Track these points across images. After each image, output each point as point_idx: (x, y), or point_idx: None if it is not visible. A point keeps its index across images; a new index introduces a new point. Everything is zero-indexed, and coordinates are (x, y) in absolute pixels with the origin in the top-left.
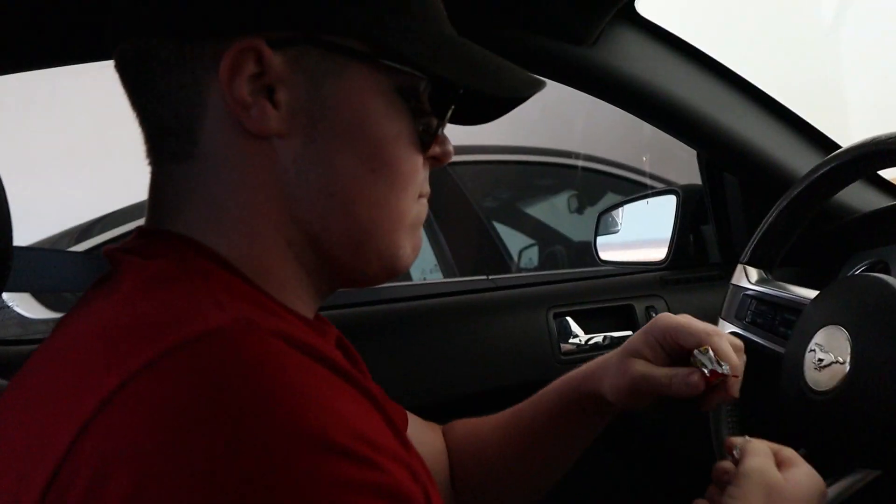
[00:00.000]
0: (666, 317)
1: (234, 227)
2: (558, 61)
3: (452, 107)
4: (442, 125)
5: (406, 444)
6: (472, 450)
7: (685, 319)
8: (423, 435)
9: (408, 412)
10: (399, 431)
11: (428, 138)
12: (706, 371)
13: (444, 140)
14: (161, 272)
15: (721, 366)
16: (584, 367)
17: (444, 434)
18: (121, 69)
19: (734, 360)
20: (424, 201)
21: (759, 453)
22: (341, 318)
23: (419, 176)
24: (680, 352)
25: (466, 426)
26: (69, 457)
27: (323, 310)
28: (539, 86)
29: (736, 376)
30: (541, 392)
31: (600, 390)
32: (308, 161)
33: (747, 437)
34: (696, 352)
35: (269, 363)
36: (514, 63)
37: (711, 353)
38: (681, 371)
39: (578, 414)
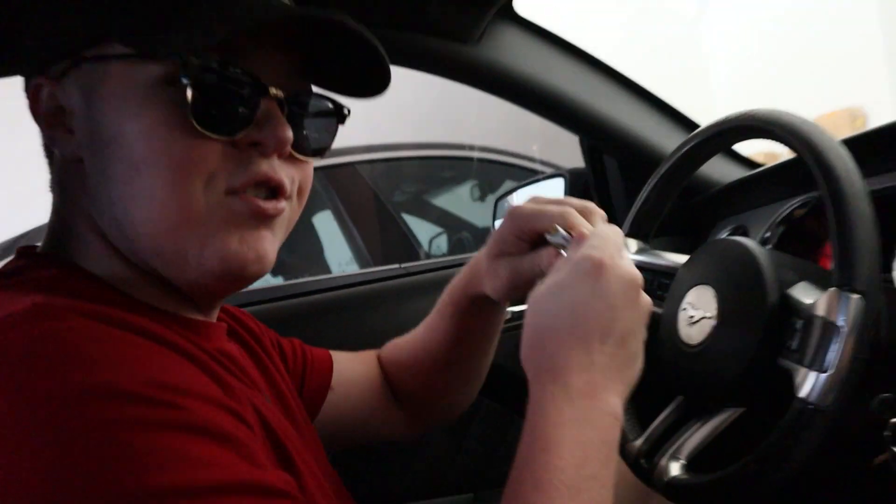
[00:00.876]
0: (517, 208)
1: (85, 246)
2: (447, 59)
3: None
4: (235, 106)
5: (236, 396)
6: (402, 364)
7: (535, 205)
8: (353, 365)
9: (335, 352)
10: (228, 386)
11: (213, 124)
12: (562, 251)
13: (266, 123)
14: (4, 284)
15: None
16: (463, 271)
17: (379, 357)
18: None
19: (584, 225)
20: (252, 198)
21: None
22: (266, 312)
23: (204, 165)
24: (540, 235)
25: (396, 345)
26: None
27: (249, 305)
28: (280, 16)
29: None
30: (439, 302)
31: (484, 291)
32: (97, 175)
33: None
34: (547, 237)
35: (56, 333)
36: (406, 62)
37: (560, 230)
38: (540, 252)
39: (475, 314)
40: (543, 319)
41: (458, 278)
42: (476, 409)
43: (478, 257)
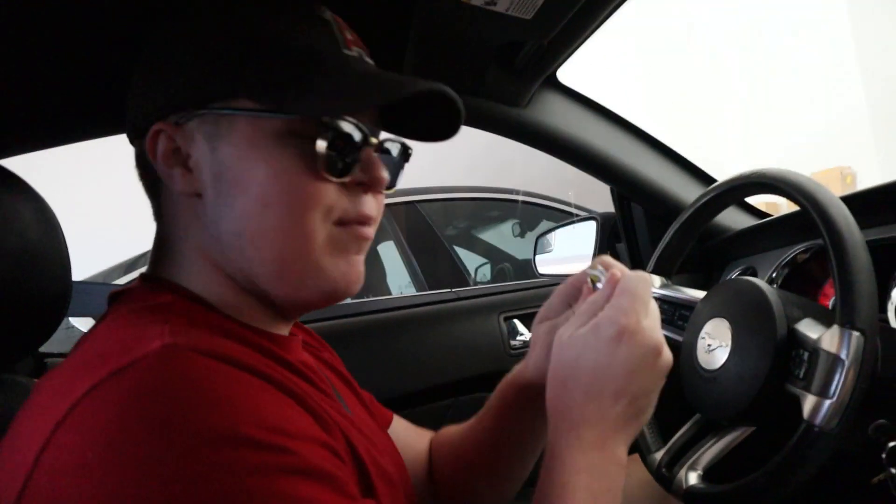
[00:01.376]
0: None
1: (191, 269)
2: (499, 120)
3: (350, 138)
4: (348, 153)
5: (330, 429)
6: (449, 450)
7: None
8: (408, 437)
9: (397, 416)
10: (323, 420)
11: (331, 167)
12: (596, 284)
13: (370, 166)
14: (131, 311)
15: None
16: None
17: (433, 438)
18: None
19: (619, 267)
20: (357, 228)
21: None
22: (333, 328)
23: (322, 200)
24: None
25: (449, 430)
26: (33, 473)
27: (316, 321)
28: (405, 93)
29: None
30: (491, 397)
31: (526, 377)
32: (220, 210)
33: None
34: (585, 270)
35: (186, 377)
36: (463, 123)
37: (599, 267)
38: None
39: (518, 409)
40: (566, 371)
41: (509, 374)
42: None
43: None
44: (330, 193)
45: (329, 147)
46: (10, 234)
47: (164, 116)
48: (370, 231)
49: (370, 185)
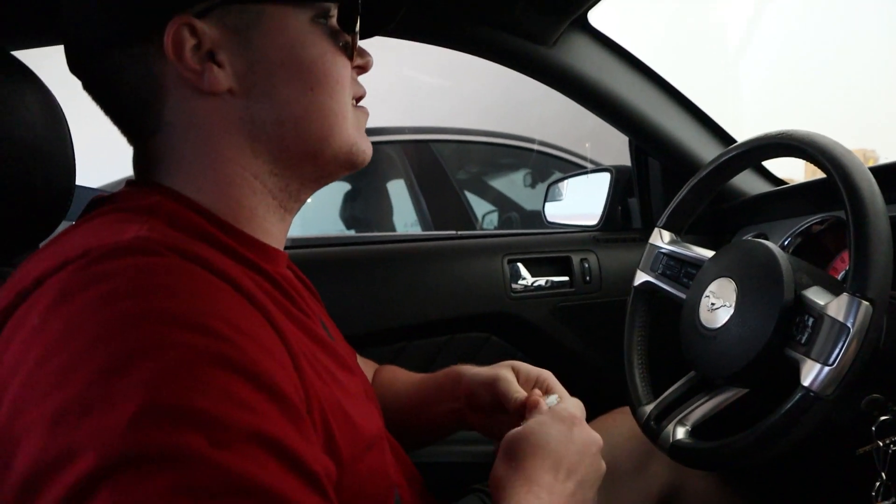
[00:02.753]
0: (504, 377)
1: (204, 175)
2: (524, 57)
3: (358, 20)
4: (355, 38)
5: (294, 351)
6: (382, 394)
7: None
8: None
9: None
10: (287, 340)
11: (349, 51)
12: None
13: (362, 51)
14: (111, 211)
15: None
16: (457, 379)
17: (375, 373)
18: (88, 83)
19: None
20: (363, 107)
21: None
22: (333, 255)
23: (348, 79)
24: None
25: (388, 374)
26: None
27: (316, 247)
28: None
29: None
30: (435, 377)
31: (465, 380)
32: (257, 102)
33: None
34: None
35: (151, 268)
36: (489, 55)
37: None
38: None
39: (448, 409)
40: (523, 446)
41: (459, 379)
42: (485, 342)
43: (458, 395)
44: (350, 73)
45: (349, 30)
46: (17, 125)
47: (182, 8)
48: None
49: (364, 67)
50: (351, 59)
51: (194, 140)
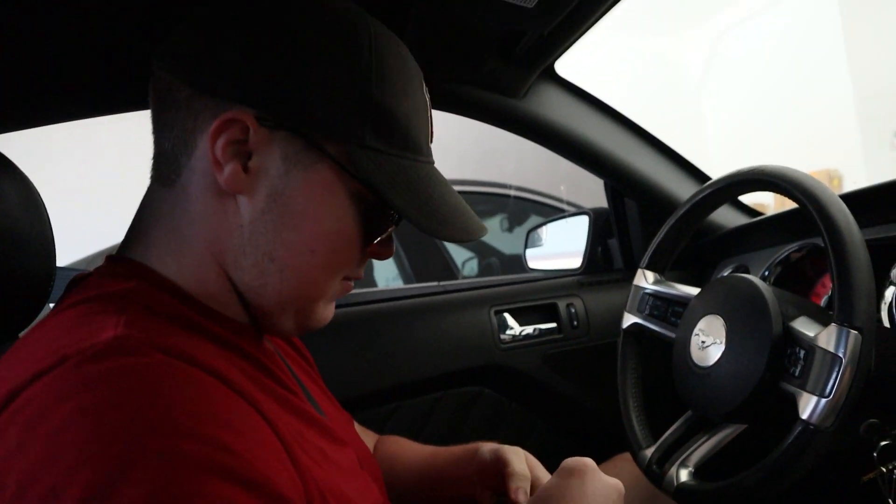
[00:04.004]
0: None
1: (186, 254)
2: (495, 110)
3: (395, 224)
4: (386, 231)
5: (294, 443)
6: (389, 467)
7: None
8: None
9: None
10: (279, 430)
11: (370, 238)
12: None
13: (388, 241)
14: (86, 300)
15: None
16: (473, 453)
17: (376, 444)
18: (152, 92)
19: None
20: (350, 284)
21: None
22: None
23: (353, 265)
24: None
25: (393, 446)
26: None
27: None
28: (477, 235)
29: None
30: (451, 451)
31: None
32: (261, 226)
33: None
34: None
35: (134, 370)
36: (461, 111)
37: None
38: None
39: (461, 482)
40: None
41: (470, 459)
42: (478, 396)
43: (471, 469)
44: (357, 258)
45: (384, 231)
46: None
47: (247, 105)
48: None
49: (382, 257)
50: (368, 244)
51: (192, 214)
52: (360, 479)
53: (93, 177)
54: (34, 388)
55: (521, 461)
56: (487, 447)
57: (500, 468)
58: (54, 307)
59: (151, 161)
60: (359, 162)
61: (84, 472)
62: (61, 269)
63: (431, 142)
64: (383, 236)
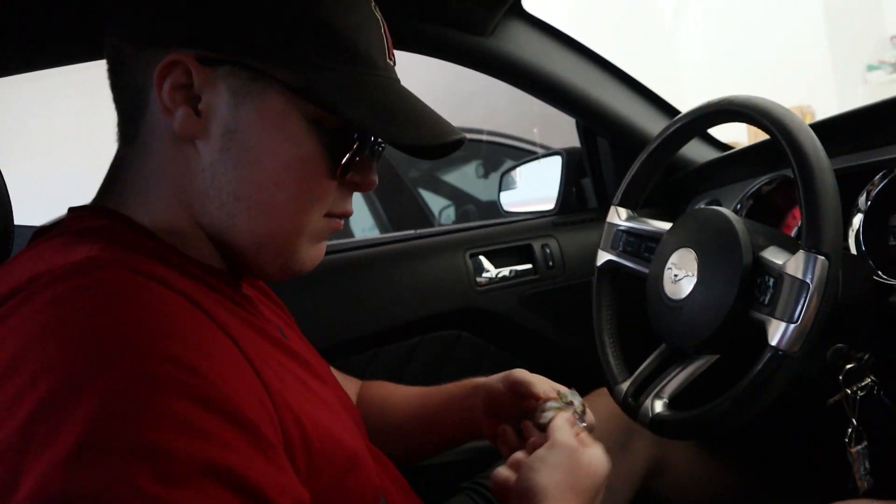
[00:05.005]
0: (524, 380)
1: (154, 204)
2: (462, 49)
3: (367, 145)
4: (359, 157)
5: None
6: (379, 410)
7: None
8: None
9: (331, 368)
10: (253, 360)
11: (342, 166)
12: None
13: (366, 170)
14: (56, 236)
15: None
16: (473, 388)
17: (361, 389)
18: (107, 61)
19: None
20: (336, 220)
21: (566, 429)
22: None
23: (328, 197)
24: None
25: (380, 389)
26: None
27: None
28: (448, 140)
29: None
30: (444, 389)
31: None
32: (221, 166)
33: (559, 403)
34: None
35: (103, 285)
36: (426, 50)
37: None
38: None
39: (461, 419)
40: (551, 474)
41: (467, 388)
42: (456, 339)
43: (484, 391)
44: (331, 190)
45: (349, 152)
46: None
47: (187, 47)
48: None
49: (362, 187)
50: (341, 176)
51: (155, 166)
52: (344, 419)
53: (59, 136)
54: (4, 308)
55: (543, 381)
56: (493, 377)
57: (520, 392)
58: (22, 251)
59: (117, 126)
60: (306, 82)
61: (45, 378)
62: (21, 226)
63: (391, 59)
64: (358, 162)
